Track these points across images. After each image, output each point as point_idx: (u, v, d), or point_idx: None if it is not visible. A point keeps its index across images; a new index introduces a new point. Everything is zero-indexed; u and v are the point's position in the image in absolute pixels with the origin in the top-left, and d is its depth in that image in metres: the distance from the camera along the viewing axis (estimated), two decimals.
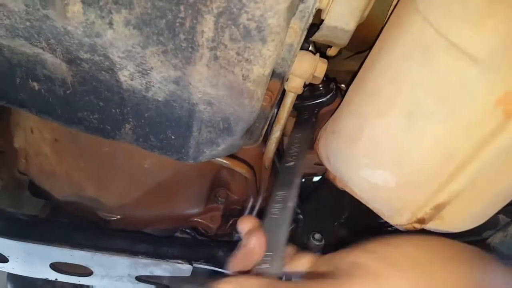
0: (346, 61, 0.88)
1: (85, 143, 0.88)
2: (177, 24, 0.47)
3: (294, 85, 0.71)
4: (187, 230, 1.10)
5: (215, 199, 1.06)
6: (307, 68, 0.68)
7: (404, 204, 0.57)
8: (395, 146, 0.53)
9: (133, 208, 0.95)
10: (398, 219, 0.58)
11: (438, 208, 0.53)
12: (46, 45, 0.56)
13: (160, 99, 0.60)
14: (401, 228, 0.59)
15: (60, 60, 0.59)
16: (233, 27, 0.46)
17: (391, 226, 0.94)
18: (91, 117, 0.67)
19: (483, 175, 0.50)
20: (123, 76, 0.57)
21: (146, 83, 0.57)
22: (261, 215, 1.15)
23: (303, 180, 1.43)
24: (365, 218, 0.96)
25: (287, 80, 0.71)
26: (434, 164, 0.52)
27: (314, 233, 0.96)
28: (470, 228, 0.60)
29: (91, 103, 0.65)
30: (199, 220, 1.06)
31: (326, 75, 0.91)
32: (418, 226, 0.55)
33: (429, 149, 0.51)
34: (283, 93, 0.75)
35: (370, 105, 0.55)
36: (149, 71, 0.55)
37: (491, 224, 0.72)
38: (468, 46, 0.43)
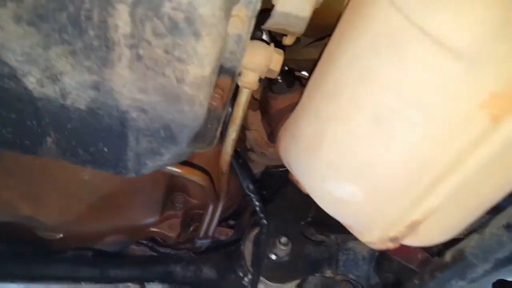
0: (305, 49, 0.80)
1: (12, 158, 0.76)
2: (83, 17, 0.37)
3: (248, 81, 0.62)
4: (143, 242, 1.01)
5: (172, 205, 0.97)
6: (261, 61, 0.60)
7: (374, 221, 0.49)
8: (361, 155, 0.45)
9: (77, 224, 0.85)
10: (367, 236, 0.51)
11: (413, 226, 0.45)
12: None
13: (82, 107, 0.50)
14: (371, 246, 0.51)
15: None
16: (155, 19, 0.37)
17: None
18: (3, 131, 0.56)
19: (465, 187, 0.43)
20: (30, 83, 0.46)
21: (60, 89, 0.47)
22: (224, 219, 1.08)
23: (269, 171, 1.36)
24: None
25: (240, 75, 0.62)
26: (406, 177, 0.44)
27: (280, 238, 0.89)
28: None
29: (1, 117, 0.54)
30: (156, 230, 0.97)
31: (285, 65, 0.83)
32: (390, 245, 0.48)
33: (400, 160, 0.43)
34: (237, 89, 0.66)
35: (332, 107, 0.47)
36: (59, 76, 0.44)
37: None
38: (448, 38, 0.35)
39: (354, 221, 0.53)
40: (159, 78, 0.42)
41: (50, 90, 0.47)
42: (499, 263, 0.58)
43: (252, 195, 0.86)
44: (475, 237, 0.60)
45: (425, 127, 0.41)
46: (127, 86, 0.43)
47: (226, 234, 1.08)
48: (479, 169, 0.41)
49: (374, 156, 0.45)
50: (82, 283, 0.69)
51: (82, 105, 0.49)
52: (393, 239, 0.47)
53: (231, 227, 1.13)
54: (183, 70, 0.41)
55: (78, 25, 0.37)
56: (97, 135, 0.55)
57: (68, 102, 0.49)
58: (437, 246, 0.94)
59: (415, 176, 0.44)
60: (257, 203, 0.86)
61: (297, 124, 0.55)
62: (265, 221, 0.85)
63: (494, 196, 0.48)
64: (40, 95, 0.49)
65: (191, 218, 1.04)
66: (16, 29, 0.38)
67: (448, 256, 0.67)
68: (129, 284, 0.71)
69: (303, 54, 0.80)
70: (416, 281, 0.77)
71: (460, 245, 0.64)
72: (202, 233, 1.00)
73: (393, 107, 0.41)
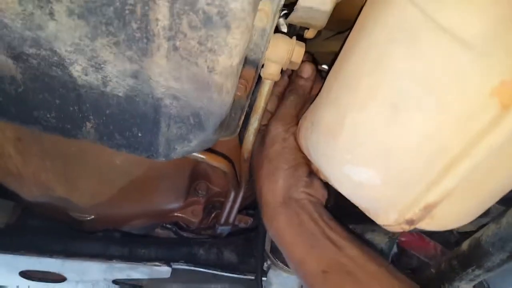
0: (326, 42, 0.83)
1: (50, 141, 0.82)
2: (127, 11, 0.41)
3: (271, 72, 0.66)
4: (167, 225, 1.06)
5: (195, 192, 1.02)
6: (283, 53, 0.63)
7: (391, 204, 0.52)
8: (378, 142, 0.48)
9: (107, 206, 0.90)
10: (384, 219, 0.54)
11: (428, 209, 0.48)
12: None
13: (120, 94, 0.54)
14: (388, 229, 0.55)
15: (5, 56, 0.53)
16: (191, 13, 0.41)
17: None
18: (48, 116, 0.61)
19: (477, 172, 0.45)
20: (76, 71, 0.51)
21: (102, 78, 0.51)
22: (244, 208, 1.12)
23: None
24: (351, 206, 0.92)
25: (262, 67, 0.66)
26: (422, 161, 0.47)
27: None
28: None
29: (46, 101, 0.59)
30: (180, 214, 1.02)
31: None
32: (406, 227, 0.51)
33: (415, 145, 0.46)
34: (260, 80, 0.70)
35: (350, 96, 0.50)
36: (102, 65, 0.49)
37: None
38: (459, 29, 0.38)
39: (372, 205, 0.55)
40: (192, 68, 0.46)
41: (92, 78, 0.52)
42: None
43: None
44: (492, 227, 0.62)
45: (439, 113, 0.43)
46: (163, 75, 0.48)
47: (245, 222, 1.12)
48: (489, 155, 0.43)
49: (391, 142, 0.48)
50: (114, 260, 0.74)
51: (121, 92, 0.54)
52: (408, 222, 0.50)
53: (250, 215, 1.16)
54: (214, 60, 0.45)
55: (123, 19, 0.42)
56: (132, 121, 0.59)
57: (108, 89, 0.54)
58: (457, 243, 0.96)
59: (429, 160, 0.46)
60: None
61: (317, 112, 0.58)
62: None
63: (506, 183, 0.50)
64: (83, 82, 0.53)
65: (213, 206, 1.09)
66: (68, 22, 0.43)
67: (465, 245, 0.68)
68: (157, 263, 0.76)
69: (324, 47, 0.83)
70: (432, 270, 0.79)
71: (477, 234, 0.65)
72: (223, 220, 1.05)
73: (409, 94, 0.44)
